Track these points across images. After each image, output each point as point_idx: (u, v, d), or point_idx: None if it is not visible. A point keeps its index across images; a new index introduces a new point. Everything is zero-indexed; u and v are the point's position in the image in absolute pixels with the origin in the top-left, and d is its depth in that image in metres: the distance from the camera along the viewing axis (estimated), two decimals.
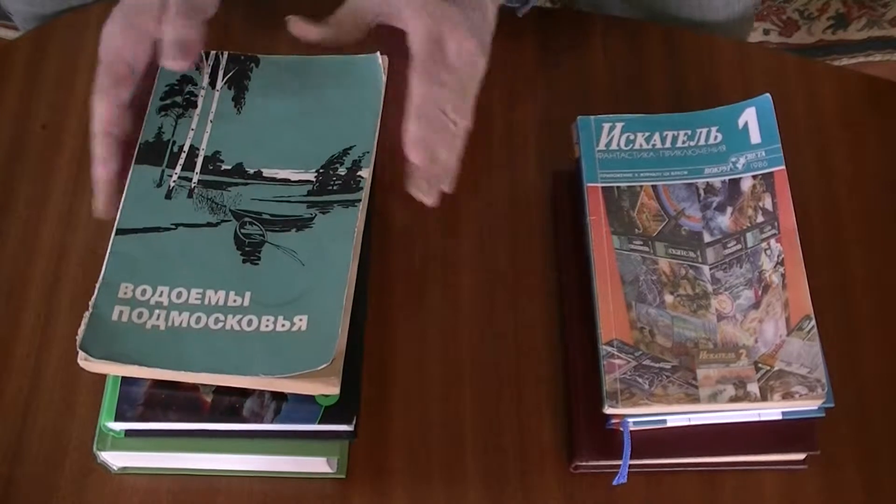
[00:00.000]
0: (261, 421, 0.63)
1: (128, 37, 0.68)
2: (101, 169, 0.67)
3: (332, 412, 0.63)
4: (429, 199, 0.68)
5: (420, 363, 0.72)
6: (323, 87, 0.70)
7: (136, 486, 0.68)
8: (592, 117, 0.75)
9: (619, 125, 0.75)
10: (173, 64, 0.67)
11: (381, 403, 0.71)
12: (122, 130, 0.67)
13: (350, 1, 0.71)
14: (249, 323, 0.62)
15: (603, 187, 0.72)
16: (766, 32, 1.65)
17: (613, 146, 0.74)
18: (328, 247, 0.65)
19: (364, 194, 0.66)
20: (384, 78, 0.71)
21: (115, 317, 0.62)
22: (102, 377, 0.63)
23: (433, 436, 0.70)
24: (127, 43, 0.68)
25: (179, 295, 0.63)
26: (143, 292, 0.63)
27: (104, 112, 0.67)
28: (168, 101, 0.70)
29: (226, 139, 0.69)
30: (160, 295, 0.63)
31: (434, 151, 0.68)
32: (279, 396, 0.63)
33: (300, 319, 0.62)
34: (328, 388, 0.61)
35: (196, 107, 0.70)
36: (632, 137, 0.74)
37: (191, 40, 0.67)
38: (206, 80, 0.71)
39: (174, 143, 0.68)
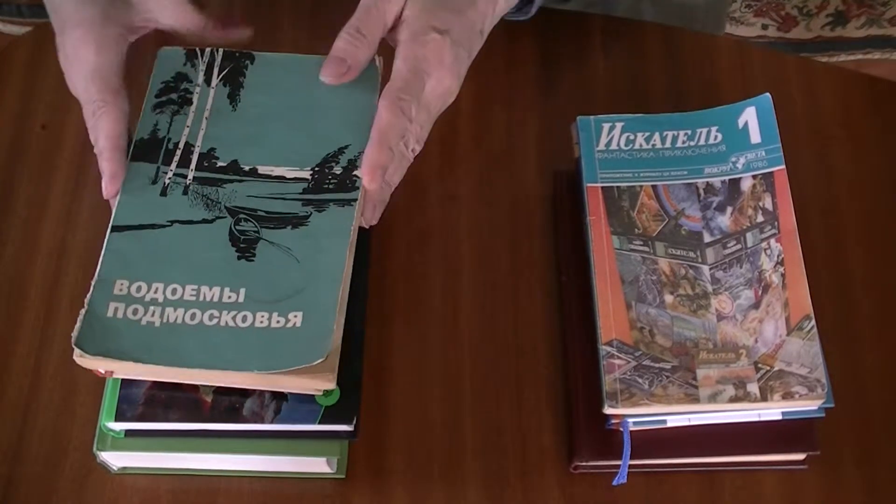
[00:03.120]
0: (261, 421, 0.63)
1: (104, 52, 0.67)
2: (112, 187, 0.66)
3: (332, 412, 0.63)
4: (369, 222, 0.68)
5: (420, 363, 0.72)
6: (318, 86, 0.70)
7: (136, 486, 0.68)
8: (592, 117, 0.75)
9: (619, 125, 0.75)
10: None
11: (381, 403, 0.71)
12: (127, 142, 0.67)
13: (369, 6, 0.67)
14: (244, 319, 0.62)
15: (603, 187, 0.72)
16: (765, 27, 1.65)
17: (613, 146, 0.74)
18: (324, 244, 0.65)
19: (360, 194, 0.66)
20: (380, 79, 0.70)
21: (110, 313, 0.62)
22: (103, 377, 0.63)
23: (433, 436, 0.70)
24: (108, 58, 0.67)
25: (174, 291, 0.63)
26: (139, 289, 0.63)
27: (109, 126, 0.66)
28: (163, 99, 0.70)
29: (221, 136, 0.69)
30: (155, 291, 0.63)
31: (388, 178, 0.68)
32: (279, 396, 0.63)
33: (295, 316, 0.62)
34: (324, 384, 0.61)
35: (191, 104, 0.69)
36: (632, 137, 0.74)
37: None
38: (201, 78, 0.70)
39: (169, 140, 0.68)
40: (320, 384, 0.61)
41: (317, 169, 0.67)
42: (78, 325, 0.61)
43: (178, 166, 0.67)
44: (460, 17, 0.69)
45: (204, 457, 0.67)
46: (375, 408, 0.70)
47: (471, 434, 0.70)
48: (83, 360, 0.61)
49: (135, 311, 0.62)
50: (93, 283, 0.63)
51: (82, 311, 0.62)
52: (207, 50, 0.72)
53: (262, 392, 0.63)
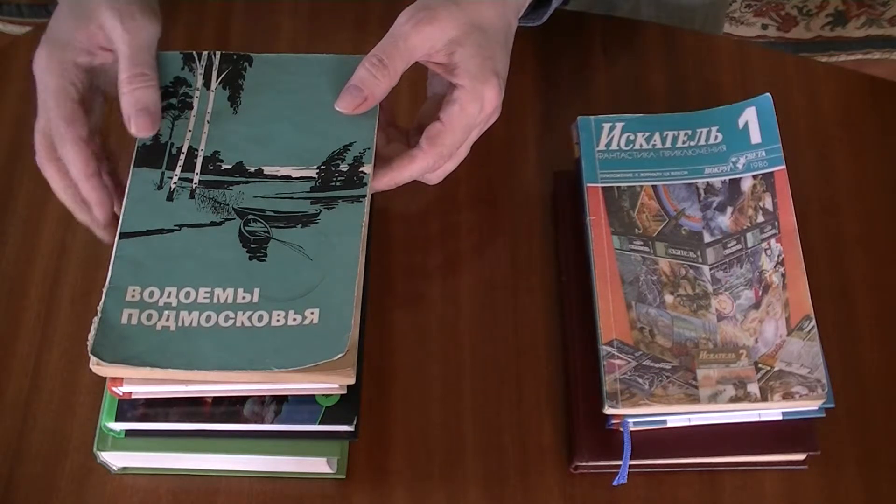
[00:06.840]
0: (261, 421, 0.63)
1: (59, 70, 0.66)
2: (100, 211, 0.66)
3: (333, 412, 0.63)
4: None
5: (420, 363, 0.72)
6: (318, 86, 0.70)
7: (136, 486, 0.68)
8: (592, 117, 0.75)
9: (619, 125, 0.75)
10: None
11: (381, 403, 0.71)
12: (99, 165, 0.66)
13: (398, 38, 0.66)
14: (260, 318, 0.62)
15: (603, 187, 0.72)
16: (765, 27, 1.65)
17: (613, 146, 0.74)
18: (336, 241, 0.65)
19: (368, 190, 0.67)
20: None
21: (124, 320, 0.62)
22: (103, 378, 0.63)
23: (433, 436, 0.70)
24: (63, 74, 0.66)
25: (188, 295, 0.63)
26: (151, 294, 0.63)
27: (73, 157, 0.65)
28: (163, 104, 0.69)
29: (224, 139, 0.69)
30: (168, 296, 0.63)
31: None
32: (279, 397, 0.63)
33: (311, 313, 0.62)
34: (344, 379, 0.61)
35: (192, 108, 0.69)
36: (632, 137, 0.74)
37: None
38: (200, 82, 0.70)
39: (172, 144, 0.68)
40: (340, 379, 0.61)
41: (323, 167, 0.67)
42: (92, 333, 0.61)
43: (182, 170, 0.67)
44: (505, 49, 0.69)
45: (204, 457, 0.67)
46: (375, 408, 0.70)
47: (471, 434, 0.70)
48: (100, 368, 0.60)
49: (149, 317, 0.62)
50: (104, 290, 0.63)
51: (95, 320, 0.61)
52: (205, 53, 0.71)
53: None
